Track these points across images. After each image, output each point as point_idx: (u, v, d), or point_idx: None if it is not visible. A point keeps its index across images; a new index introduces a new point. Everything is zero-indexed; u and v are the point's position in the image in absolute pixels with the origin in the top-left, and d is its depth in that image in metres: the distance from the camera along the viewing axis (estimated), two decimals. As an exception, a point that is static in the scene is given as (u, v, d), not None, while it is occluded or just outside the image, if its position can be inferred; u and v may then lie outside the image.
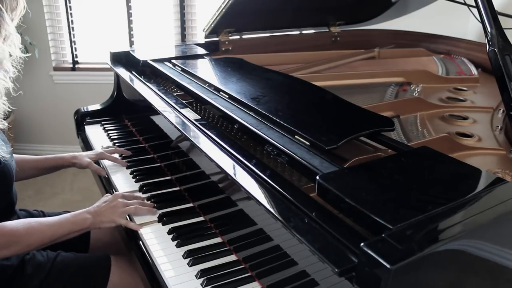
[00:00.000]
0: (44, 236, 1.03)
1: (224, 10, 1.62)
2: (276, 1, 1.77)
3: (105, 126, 1.71)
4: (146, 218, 1.13)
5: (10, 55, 1.07)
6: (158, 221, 1.12)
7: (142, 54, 1.62)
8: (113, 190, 1.30)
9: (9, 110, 1.14)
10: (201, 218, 1.13)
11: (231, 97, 1.17)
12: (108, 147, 1.49)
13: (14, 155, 1.30)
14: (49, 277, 1.09)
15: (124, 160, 1.42)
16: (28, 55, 1.21)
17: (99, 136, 1.64)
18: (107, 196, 1.17)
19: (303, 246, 0.71)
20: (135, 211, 1.13)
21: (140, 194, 1.25)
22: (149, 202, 1.19)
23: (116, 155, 1.43)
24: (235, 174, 0.91)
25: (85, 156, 1.40)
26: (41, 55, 2.94)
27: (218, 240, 1.04)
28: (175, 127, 1.15)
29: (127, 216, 1.13)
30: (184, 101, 1.30)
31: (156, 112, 1.28)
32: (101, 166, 1.42)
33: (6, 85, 1.09)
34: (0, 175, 1.08)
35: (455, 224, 0.65)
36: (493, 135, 1.19)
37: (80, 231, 1.08)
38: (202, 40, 1.77)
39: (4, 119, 1.12)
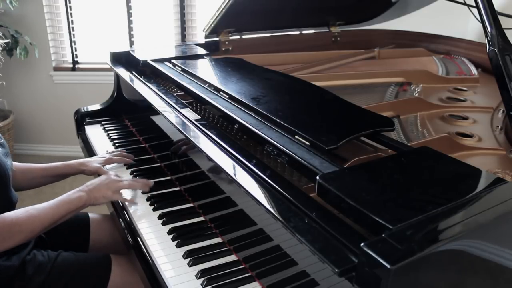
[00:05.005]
0: (44, 220, 1.05)
1: (224, 10, 1.62)
2: (276, 1, 1.77)
3: (105, 126, 1.71)
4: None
5: None
6: (159, 219, 1.12)
7: (142, 54, 1.62)
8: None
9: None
10: (201, 218, 1.13)
11: (231, 97, 1.17)
12: (113, 151, 1.46)
13: (20, 163, 1.31)
14: (50, 277, 1.10)
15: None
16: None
17: (99, 136, 1.64)
18: (101, 176, 1.20)
19: (303, 246, 0.70)
20: (129, 185, 1.15)
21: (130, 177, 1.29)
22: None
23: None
24: (235, 174, 0.91)
25: (93, 162, 1.36)
26: (41, 55, 2.94)
27: (218, 240, 1.04)
28: (175, 127, 1.15)
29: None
30: (184, 101, 1.30)
31: (156, 112, 1.28)
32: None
33: None
34: None
35: (455, 224, 0.65)
36: (493, 135, 1.19)
37: (77, 210, 1.11)
38: (202, 40, 1.77)
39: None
